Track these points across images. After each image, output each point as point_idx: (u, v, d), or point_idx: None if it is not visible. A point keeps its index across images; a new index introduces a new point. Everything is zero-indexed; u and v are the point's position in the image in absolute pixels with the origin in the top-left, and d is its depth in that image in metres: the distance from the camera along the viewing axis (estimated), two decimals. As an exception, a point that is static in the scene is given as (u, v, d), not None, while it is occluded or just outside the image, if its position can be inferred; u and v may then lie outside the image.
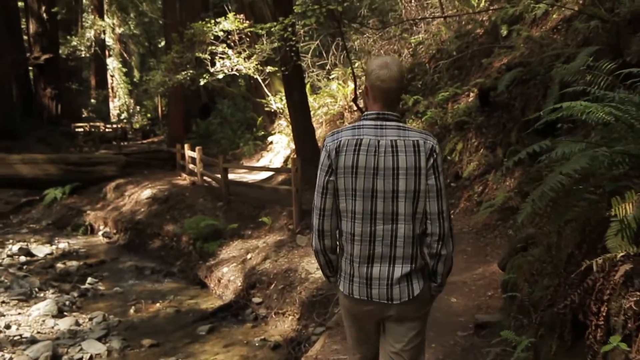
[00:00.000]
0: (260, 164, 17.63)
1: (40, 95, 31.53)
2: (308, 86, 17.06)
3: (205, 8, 23.25)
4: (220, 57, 16.25)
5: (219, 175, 12.94)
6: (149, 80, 19.68)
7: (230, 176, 15.76)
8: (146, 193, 14.31)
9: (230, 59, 15.88)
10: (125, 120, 41.94)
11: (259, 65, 16.62)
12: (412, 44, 15.09)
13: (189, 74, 16.56)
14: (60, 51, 35.65)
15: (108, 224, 14.30)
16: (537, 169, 7.40)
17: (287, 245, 9.71)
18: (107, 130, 34.35)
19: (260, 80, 16.96)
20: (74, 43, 37.00)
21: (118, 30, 49.35)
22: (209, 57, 16.55)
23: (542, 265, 3.57)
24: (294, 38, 11.62)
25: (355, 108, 14.35)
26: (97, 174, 17.42)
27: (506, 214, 7.18)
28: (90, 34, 39.89)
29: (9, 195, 18.63)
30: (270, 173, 15.36)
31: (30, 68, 32.55)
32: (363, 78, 14.51)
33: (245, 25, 16.44)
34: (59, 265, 11.64)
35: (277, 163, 16.49)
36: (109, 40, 50.52)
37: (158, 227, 12.82)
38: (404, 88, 2.84)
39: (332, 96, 16.77)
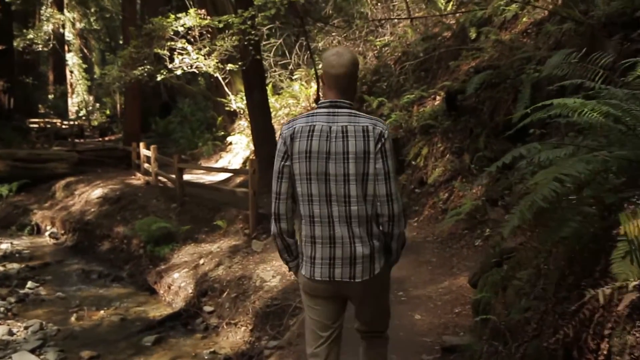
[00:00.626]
0: (219, 165, 17.06)
1: (-10, 88, 30.33)
2: (270, 86, 16.58)
3: (167, 2, 22.61)
4: (179, 53, 15.67)
5: (173, 176, 12.36)
6: (104, 75, 18.92)
7: (187, 177, 15.18)
8: (97, 192, 13.64)
9: (189, 55, 15.29)
10: (83, 117, 40.82)
11: (219, 64, 16.08)
12: (377, 46, 14.73)
13: (146, 69, 15.91)
14: (16, 44, 34.35)
15: (56, 224, 13.59)
16: (506, 176, 7.09)
17: (242, 251, 9.21)
18: (62, 126, 33.23)
19: (220, 79, 16.41)
20: (30, 36, 35.69)
21: (78, 25, 48.03)
22: (168, 53, 15.95)
23: (520, 283, 3.16)
24: (253, 32, 11.10)
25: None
26: (47, 171, 16.64)
27: (473, 223, 6.82)
28: (48, 27, 38.71)
29: (-49, 191, 17.70)
30: (228, 174, 14.83)
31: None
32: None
33: (207, 21, 15.90)
34: (-2, 267, 10.94)
35: (236, 164, 15.95)
36: (69, 35, 49.22)
37: (108, 228, 12.19)
38: (356, 75, 2.81)
39: (295, 97, 16.32)
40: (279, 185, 2.74)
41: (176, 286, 9.07)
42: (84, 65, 48.15)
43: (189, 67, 16.19)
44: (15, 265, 11.02)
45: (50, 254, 12.22)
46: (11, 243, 12.91)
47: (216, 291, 8.40)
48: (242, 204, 10.22)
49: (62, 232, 13.34)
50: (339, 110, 2.68)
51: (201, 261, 9.39)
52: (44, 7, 43.80)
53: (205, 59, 15.78)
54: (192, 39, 15.80)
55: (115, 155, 18.47)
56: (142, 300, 9.34)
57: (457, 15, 12.01)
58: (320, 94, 12.61)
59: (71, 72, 48.77)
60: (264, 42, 16.28)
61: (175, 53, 15.46)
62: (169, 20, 15.69)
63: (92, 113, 43.32)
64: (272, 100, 16.15)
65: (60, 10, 41.43)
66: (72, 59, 47.25)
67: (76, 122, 36.90)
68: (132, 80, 17.17)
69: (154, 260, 10.33)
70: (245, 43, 11.16)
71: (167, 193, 12.74)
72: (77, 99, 46.63)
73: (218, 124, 19.56)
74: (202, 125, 21.85)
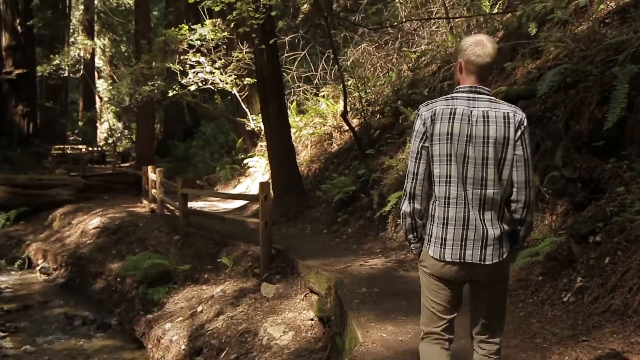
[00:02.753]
0: (237, 190, 15.34)
1: (10, 112, 29.24)
2: (294, 105, 14.89)
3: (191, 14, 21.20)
4: (191, 67, 14.11)
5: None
6: (113, 92, 17.45)
7: (200, 204, 13.55)
8: (94, 222, 12.02)
9: (203, 69, 13.70)
10: (111, 143, 40.10)
11: (236, 79, 14.47)
12: (413, 58, 12.96)
13: (155, 84, 14.38)
14: (42, 69, 33.46)
15: (48, 258, 11.95)
16: (598, 203, 5.18)
17: (248, 296, 7.41)
18: (84, 152, 32.03)
19: (237, 96, 14.76)
20: (56, 62, 34.76)
21: (108, 52, 47.48)
22: (180, 68, 14.40)
23: None
24: (257, 15, 9.12)
25: (346, 127, 12.15)
26: (48, 198, 15.12)
27: (553, 267, 4.91)
28: (75, 53, 37.97)
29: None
30: (245, 202, 13.10)
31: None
32: (355, 95, 12.42)
33: (225, 34, 14.34)
34: (-34, 311, 9.31)
35: (255, 190, 14.18)
36: (99, 62, 48.76)
37: (102, 264, 10.51)
38: (496, 64, 3.03)
39: (321, 115, 14.57)
40: (417, 166, 2.76)
41: (167, 340, 7.29)
42: (114, 92, 47.38)
43: (204, 83, 14.61)
44: (-15, 309, 9.39)
45: (35, 294, 10.56)
46: (-6, 280, 11.32)
47: (213, 349, 6.63)
48: (253, 238, 8.43)
49: (54, 266, 11.70)
50: (479, 95, 2.72)
51: (199, 308, 7.60)
52: (72, 33, 43.21)
53: (221, 73, 14.19)
54: (206, 51, 14.23)
55: (124, 181, 16.92)
56: (127, 356, 7.63)
57: (508, 15, 10.23)
58: (347, 108, 10.80)
59: (100, 98, 48.05)
60: (287, 54, 14.63)
61: (187, 67, 13.89)
62: (182, 31, 14.18)
63: (120, 139, 42.65)
64: (296, 119, 14.49)
65: (91, 36, 40.73)
66: (102, 86, 46.60)
67: (98, 148, 35.90)
68: (143, 98, 15.68)
69: (146, 304, 8.61)
70: (256, 25, 9.23)
71: (172, 223, 11.03)
72: (106, 125, 45.96)
73: (237, 146, 17.90)
74: (222, 148, 20.29)
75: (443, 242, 2.73)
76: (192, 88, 14.52)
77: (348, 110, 11.29)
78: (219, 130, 22.15)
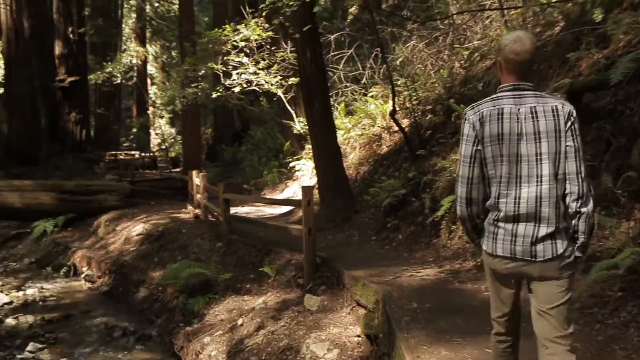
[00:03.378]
0: (284, 195, 14.92)
1: (64, 119, 29.65)
2: (342, 106, 14.39)
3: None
4: (234, 68, 13.75)
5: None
6: (161, 97, 17.24)
7: (245, 209, 13.16)
8: (137, 229, 11.75)
9: (246, 68, 13.31)
10: (164, 149, 40.58)
11: (282, 80, 14.04)
12: (465, 55, 12.28)
13: (199, 86, 14.08)
14: (95, 76, 33.85)
15: (92, 266, 11.74)
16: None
17: (291, 309, 6.92)
18: (135, 158, 32.21)
19: (282, 97, 14.33)
20: (109, 69, 35.17)
21: (160, 59, 48.07)
22: (223, 68, 14.06)
23: None
24: (291, 3, 8.57)
25: (395, 128, 11.57)
26: (95, 204, 15.00)
27: (637, 283, 4.24)
28: (127, 60, 38.40)
29: (0, 226, 16.38)
30: (287, 209, 12.66)
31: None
32: (405, 94, 11.82)
33: (269, 33, 13.94)
34: (10, 320, 9.13)
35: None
36: (152, 69, 49.38)
37: (144, 272, 10.21)
38: (536, 60, 2.84)
39: (370, 116, 14.00)
40: (471, 170, 2.78)
41: (205, 355, 6.88)
42: (166, 98, 47.89)
43: (248, 84, 14.24)
44: (30, 318, 9.16)
45: (78, 302, 10.32)
46: (40, 288, 11.15)
47: (252, 367, 6.15)
48: (297, 245, 7.94)
49: (99, 274, 11.47)
50: (524, 92, 2.72)
51: (240, 321, 7.16)
52: (125, 41, 43.82)
53: (266, 74, 13.79)
54: (248, 52, 13.85)
55: (171, 186, 16.68)
56: (164, 371, 7.22)
57: (569, 4, 9.48)
58: (395, 106, 10.21)
59: (153, 104, 48.62)
60: (333, 52, 14.14)
61: (230, 68, 13.54)
62: (226, 32, 13.84)
63: (173, 145, 43.06)
64: (344, 121, 13.99)
65: (143, 43, 41.20)
66: (154, 92, 47.14)
67: (150, 154, 36.17)
68: (188, 101, 15.42)
69: (187, 315, 8.23)
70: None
71: (215, 229, 10.64)
72: (159, 131, 46.51)
73: (285, 149, 17.47)
74: (270, 152, 19.92)
75: (494, 236, 2.78)
76: (236, 90, 14.16)
77: (397, 109, 10.71)
78: (268, 133, 21.83)
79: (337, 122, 14.88)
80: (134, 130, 46.66)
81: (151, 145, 44.48)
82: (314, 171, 13.80)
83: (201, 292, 8.30)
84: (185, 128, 18.40)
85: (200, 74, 14.83)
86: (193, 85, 14.28)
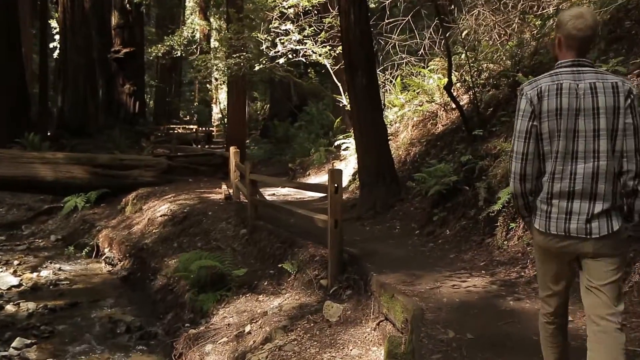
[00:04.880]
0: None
1: (118, 91, 29.18)
2: (398, 80, 12.98)
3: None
4: (279, 36, 12.50)
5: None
6: (199, 66, 16.20)
7: (284, 191, 11.99)
8: (162, 209, 10.74)
9: (290, 37, 12.04)
10: (225, 123, 40.03)
11: (330, 50, 12.72)
12: (537, 25, 10.66)
13: (242, 56, 12.91)
14: (155, 49, 33.29)
15: (113, 247, 10.81)
16: None
17: (307, 318, 5.68)
18: (187, 132, 31.55)
19: (329, 68, 13.00)
20: (169, 42, 34.53)
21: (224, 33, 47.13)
22: (269, 39, 12.84)
23: None
24: None
25: (453, 105, 10.13)
26: (130, 180, 14.12)
27: None
28: (187, 33, 37.73)
29: (35, 200, 15.79)
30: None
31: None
32: (466, 66, 10.33)
33: (320, -1, 12.63)
34: (9, 307, 8.25)
35: (347, 175, 12.42)
36: (215, 43, 48.75)
37: (161, 258, 9.19)
38: (597, 37, 3.10)
39: (427, 92, 12.52)
40: (526, 146, 2.73)
41: (204, 367, 5.74)
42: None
43: (294, 55, 12.98)
44: (31, 306, 8.26)
45: (91, 288, 9.39)
46: (57, 269, 10.31)
47: (251, 391, 4.97)
48: (325, 237, 6.68)
49: (120, 257, 10.52)
50: (584, 68, 2.69)
51: (247, 328, 5.98)
52: (191, 14, 43.27)
53: (312, 43, 12.50)
54: (293, 17, 12.57)
55: (211, 163, 15.62)
56: (157, 382, 6.13)
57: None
58: (452, 79, 8.76)
59: (216, 79, 48.14)
60: (387, 20, 12.67)
61: (274, 36, 12.31)
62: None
63: (232, 119, 42.14)
64: (400, 96, 12.61)
65: (206, 17, 40.52)
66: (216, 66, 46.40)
67: (207, 128, 35.55)
68: (232, 72, 14.30)
69: (195, 313, 7.12)
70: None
71: (243, 214, 9.50)
72: (222, 105, 46.12)
73: (335, 126, 16.19)
74: (322, 129, 18.67)
75: (548, 215, 2.73)
76: (281, 61, 12.93)
77: (454, 82, 9.27)
78: (321, 109, 20.60)
79: (391, 97, 13.51)
80: (196, 104, 46.29)
81: (212, 119, 44.02)
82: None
83: (213, 288, 7.17)
84: (229, 101, 17.26)
85: (244, 42, 13.64)
86: (235, 55, 13.11)
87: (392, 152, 10.98)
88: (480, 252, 6.19)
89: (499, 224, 6.21)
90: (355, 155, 13.03)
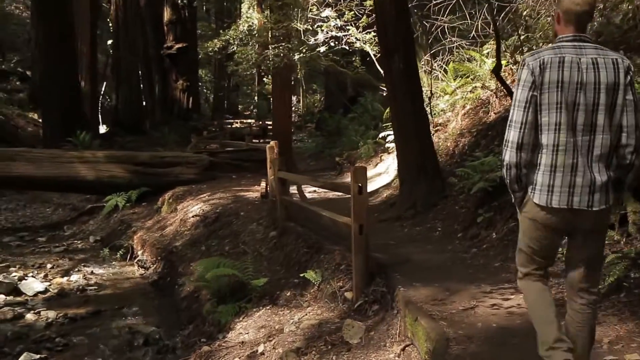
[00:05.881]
0: (377, 170, 12.84)
1: (171, 87, 29.03)
2: (451, 66, 12.05)
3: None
4: (320, 24, 11.77)
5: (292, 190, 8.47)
6: (239, 59, 15.59)
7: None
8: (195, 209, 10.19)
9: (329, 24, 11.28)
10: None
11: (375, 37, 11.88)
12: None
13: (280, 46, 12.24)
14: (211, 44, 33.05)
15: (146, 249, 10.34)
16: None
17: (324, 339, 4.93)
18: (241, 126, 31.15)
19: (372, 55, 12.16)
20: (226, 37, 34.20)
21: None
22: (308, 27, 12.12)
23: None
24: None
25: (502, 91, 9.17)
26: (172, 177, 13.68)
27: None
28: (244, 27, 37.31)
29: (80, 199, 15.62)
30: (378, 186, 10.62)
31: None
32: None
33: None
34: (29, 316, 7.82)
35: (393, 171, 11.56)
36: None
37: (189, 262, 8.63)
38: (594, 12, 2.85)
39: (480, 78, 11.53)
40: (525, 115, 2.74)
41: (210, 394, 5.08)
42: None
43: (336, 42, 12.22)
44: (51, 314, 7.82)
45: (119, 295, 8.91)
46: (90, 272, 9.92)
47: None
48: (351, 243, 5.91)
49: (153, 259, 10.04)
50: (585, 44, 2.73)
51: (261, 348, 5.29)
52: (248, 9, 42.94)
53: (356, 28, 11.71)
54: (332, 2, 11.79)
55: (256, 158, 14.98)
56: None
57: None
58: (501, 62, 7.83)
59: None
60: (435, 1, 11.72)
61: (311, 22, 11.57)
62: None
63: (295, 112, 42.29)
64: (451, 83, 11.71)
65: (263, 10, 40.05)
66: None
67: (261, 123, 35.16)
68: (274, 64, 13.66)
69: (214, 326, 6.50)
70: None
71: (276, 214, 8.81)
72: (280, 99, 45.58)
73: (385, 117, 15.32)
74: (374, 120, 17.82)
75: (550, 188, 2.73)
76: (322, 49, 12.18)
77: (503, 65, 8.31)
78: (372, 100, 19.73)
79: (442, 84, 12.58)
80: (255, 98, 46.06)
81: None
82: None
83: (233, 299, 6.53)
84: (274, 94, 16.60)
85: (286, 31, 12.97)
86: (273, 46, 12.46)
87: (440, 143, 10.11)
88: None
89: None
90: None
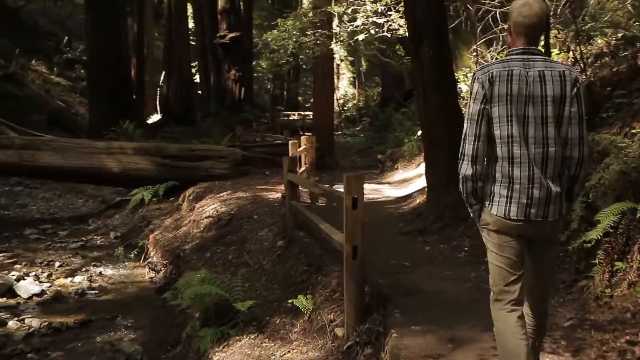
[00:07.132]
0: (418, 171, 11.71)
1: (224, 77, 28.42)
2: (502, 55, 10.73)
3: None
4: (357, 9, 10.72)
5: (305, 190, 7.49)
6: (274, 46, 14.65)
7: (368, 187, 10.20)
8: (209, 210, 9.32)
9: (364, 9, 10.22)
10: (345, 110, 39.47)
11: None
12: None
13: (316, 34, 11.25)
14: (271, 35, 32.27)
15: (157, 251, 9.56)
16: None
17: (298, 391, 3.93)
18: (293, 119, 30.29)
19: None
20: (284, 27, 33.34)
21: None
22: (347, 12, 11.10)
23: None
24: None
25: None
26: (202, 172, 12.96)
27: None
28: (306, 18, 36.49)
29: (111, 192, 15.08)
30: (413, 189, 9.52)
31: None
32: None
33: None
34: (11, 324, 7.13)
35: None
36: (336, 28, 47.39)
37: (192, 269, 7.76)
38: (544, 25, 2.96)
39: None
40: (478, 127, 2.72)
41: None
42: (350, 58, 46.12)
43: (377, 30, 11.13)
44: (35, 323, 7.10)
45: (118, 302, 8.12)
46: (97, 273, 9.23)
47: None
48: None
49: (163, 262, 9.25)
50: (533, 56, 2.70)
51: (230, 391, 4.34)
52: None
53: (396, 14, 10.60)
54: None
55: (291, 153, 14.12)
56: None
57: None
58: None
59: (338, 65, 47.00)
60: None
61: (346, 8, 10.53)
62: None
63: (348, 105, 41.79)
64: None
65: (329, 2, 39.11)
66: (339, 52, 45.12)
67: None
68: (313, 53, 12.69)
69: (194, 353, 5.59)
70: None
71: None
72: (342, 91, 45.06)
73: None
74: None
75: (508, 200, 2.72)
76: (361, 38, 11.11)
77: (561, 57, 7.06)
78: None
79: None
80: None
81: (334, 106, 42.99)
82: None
83: (218, 321, 5.61)
84: (315, 85, 15.58)
85: (325, 17, 11.98)
86: (310, 32, 11.49)
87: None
88: (566, 301, 4.15)
89: (598, 259, 4.12)
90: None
